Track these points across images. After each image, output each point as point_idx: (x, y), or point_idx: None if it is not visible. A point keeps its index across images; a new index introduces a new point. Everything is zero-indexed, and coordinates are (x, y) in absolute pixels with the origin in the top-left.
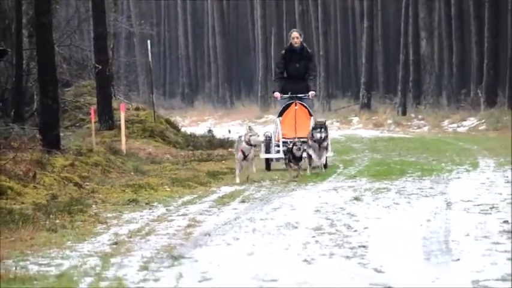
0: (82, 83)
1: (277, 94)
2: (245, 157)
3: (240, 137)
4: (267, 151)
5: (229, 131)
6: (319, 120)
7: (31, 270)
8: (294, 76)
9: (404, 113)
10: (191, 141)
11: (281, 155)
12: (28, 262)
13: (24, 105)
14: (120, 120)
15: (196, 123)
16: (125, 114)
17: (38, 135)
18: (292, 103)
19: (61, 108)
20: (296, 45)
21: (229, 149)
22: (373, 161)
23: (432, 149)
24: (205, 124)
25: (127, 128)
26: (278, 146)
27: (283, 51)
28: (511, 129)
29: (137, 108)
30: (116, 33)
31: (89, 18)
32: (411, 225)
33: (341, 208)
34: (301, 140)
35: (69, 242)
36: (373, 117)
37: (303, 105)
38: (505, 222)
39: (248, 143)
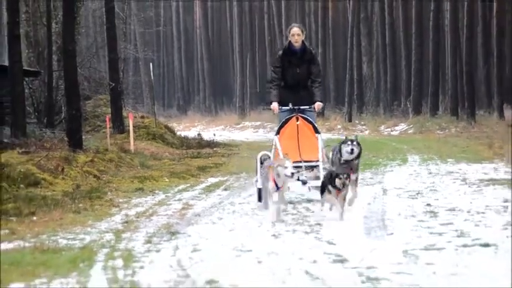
0: (99, 97)
1: (275, 105)
2: (278, 188)
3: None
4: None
5: (214, 134)
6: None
7: (60, 243)
8: (292, 83)
9: (350, 119)
10: (185, 142)
11: (280, 181)
12: (58, 237)
13: (54, 115)
14: (129, 126)
15: (188, 128)
16: (133, 121)
17: (65, 138)
18: (292, 117)
19: (83, 116)
20: (296, 44)
21: (215, 149)
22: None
23: (372, 148)
24: (196, 129)
25: (134, 132)
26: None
27: (281, 53)
28: (510, 139)
29: (142, 117)
30: (125, 58)
31: (104, 46)
32: (356, 208)
33: (301, 195)
34: (309, 164)
35: (90, 221)
36: (326, 123)
37: (307, 120)
38: (428, 205)
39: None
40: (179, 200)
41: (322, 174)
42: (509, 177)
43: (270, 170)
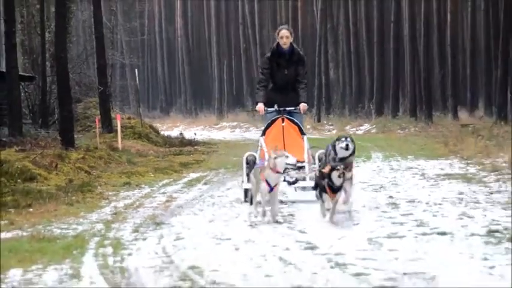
0: (89, 100)
1: (260, 107)
2: (272, 189)
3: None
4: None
5: (195, 134)
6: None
7: (55, 233)
8: (281, 85)
9: (319, 120)
10: (168, 141)
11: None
12: (53, 227)
13: (48, 116)
14: (116, 126)
15: (171, 128)
16: (120, 122)
17: (58, 137)
18: (278, 118)
19: (74, 117)
20: (285, 46)
21: (195, 147)
22: None
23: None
24: (178, 129)
25: (122, 131)
26: None
27: (269, 54)
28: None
29: (129, 118)
30: (112, 64)
31: (93, 53)
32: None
33: (285, 193)
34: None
35: (82, 213)
36: None
37: (293, 121)
38: (390, 197)
39: (274, 169)
40: (163, 193)
41: (308, 174)
42: (463, 172)
43: (261, 170)
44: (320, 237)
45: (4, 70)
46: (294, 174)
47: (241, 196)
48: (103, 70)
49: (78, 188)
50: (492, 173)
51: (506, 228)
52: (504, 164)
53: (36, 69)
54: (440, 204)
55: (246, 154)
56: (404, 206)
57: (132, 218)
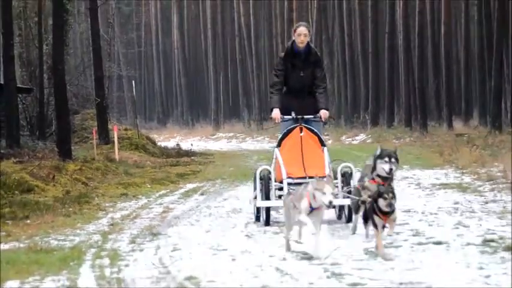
0: (86, 111)
1: (276, 114)
2: (312, 209)
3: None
4: (266, 196)
5: (192, 144)
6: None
7: (52, 244)
8: (297, 89)
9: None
10: (164, 152)
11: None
12: (50, 238)
13: (45, 128)
14: (114, 137)
15: (168, 139)
16: (117, 133)
17: (55, 149)
18: (295, 127)
19: (72, 129)
20: (301, 45)
21: (192, 157)
22: None
23: (334, 156)
24: (174, 140)
25: (119, 143)
26: (281, 189)
27: (282, 54)
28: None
29: (126, 129)
30: (109, 76)
31: (90, 65)
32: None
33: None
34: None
35: (79, 224)
36: None
37: (312, 131)
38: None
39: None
40: (160, 204)
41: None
42: (458, 181)
43: (305, 190)
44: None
45: (2, 82)
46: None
47: (252, 215)
48: (100, 82)
49: (75, 199)
50: (487, 183)
51: (501, 238)
52: (499, 174)
53: (34, 81)
54: (435, 213)
55: (260, 168)
56: (400, 216)
57: (129, 229)
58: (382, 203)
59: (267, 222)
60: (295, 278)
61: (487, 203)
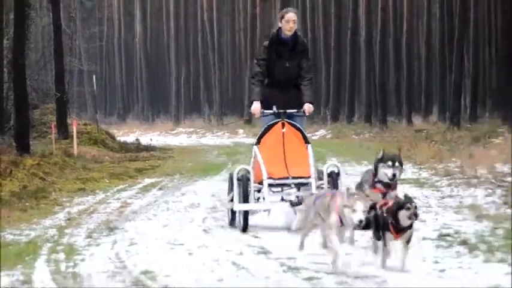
0: (46, 106)
1: (256, 108)
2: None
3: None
4: (245, 199)
5: (151, 139)
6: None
7: (7, 239)
8: (281, 80)
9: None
10: (124, 147)
11: (265, 204)
12: (5, 233)
13: (4, 122)
14: (73, 132)
15: (127, 134)
16: (76, 128)
17: (13, 143)
18: (277, 123)
19: (31, 124)
20: (289, 33)
21: (151, 152)
22: None
23: None
24: (134, 135)
25: (78, 137)
26: (259, 191)
27: (267, 43)
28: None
29: (85, 124)
30: (70, 70)
31: (51, 60)
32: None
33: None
34: (299, 181)
35: (36, 219)
36: (253, 129)
37: (295, 126)
38: None
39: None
40: (118, 199)
41: (314, 191)
42: (416, 176)
43: (333, 202)
44: (273, 242)
45: None
46: (294, 192)
47: (225, 217)
48: (61, 76)
49: (32, 194)
50: (444, 178)
51: (457, 232)
52: (456, 169)
53: None
54: None
55: (238, 168)
56: None
57: (86, 224)
58: (403, 215)
59: (245, 228)
60: (252, 273)
61: (443, 198)
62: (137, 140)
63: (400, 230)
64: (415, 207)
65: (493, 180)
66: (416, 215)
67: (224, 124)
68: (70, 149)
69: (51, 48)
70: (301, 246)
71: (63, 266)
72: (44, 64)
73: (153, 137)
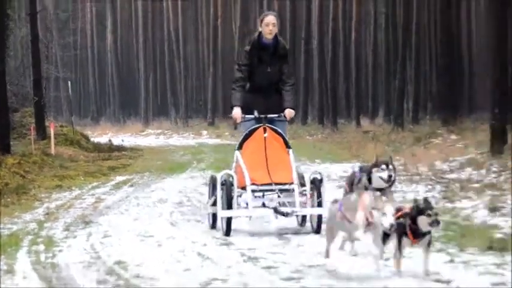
0: (25, 109)
1: (237, 113)
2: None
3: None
4: (228, 205)
5: (122, 140)
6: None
7: None
8: (262, 85)
9: (235, 128)
10: (97, 147)
11: (249, 211)
12: None
13: None
14: (50, 134)
15: (101, 135)
16: (54, 130)
17: None
18: (258, 128)
19: (11, 126)
20: (269, 36)
21: (123, 152)
22: (216, 159)
23: None
24: (107, 136)
25: (55, 138)
26: (241, 195)
27: (248, 48)
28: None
29: (61, 126)
30: (47, 77)
31: (29, 66)
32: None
33: (195, 190)
34: (282, 187)
35: (17, 213)
36: (216, 130)
37: (276, 131)
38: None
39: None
40: (92, 195)
41: (297, 199)
42: None
43: (361, 201)
44: (235, 234)
45: None
46: (276, 198)
47: (205, 221)
48: (38, 82)
49: (13, 191)
50: None
51: None
52: (400, 167)
53: None
54: None
55: (222, 173)
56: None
57: (63, 218)
58: (423, 220)
59: (228, 233)
60: (215, 262)
61: None
62: (110, 140)
63: (418, 235)
64: (436, 213)
65: (433, 177)
66: (438, 222)
67: (189, 126)
68: (48, 149)
69: (29, 56)
70: (327, 253)
71: (42, 257)
72: (23, 71)
73: (124, 137)
